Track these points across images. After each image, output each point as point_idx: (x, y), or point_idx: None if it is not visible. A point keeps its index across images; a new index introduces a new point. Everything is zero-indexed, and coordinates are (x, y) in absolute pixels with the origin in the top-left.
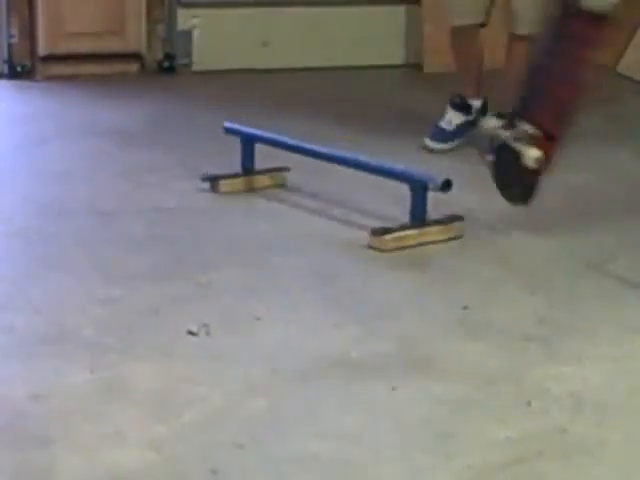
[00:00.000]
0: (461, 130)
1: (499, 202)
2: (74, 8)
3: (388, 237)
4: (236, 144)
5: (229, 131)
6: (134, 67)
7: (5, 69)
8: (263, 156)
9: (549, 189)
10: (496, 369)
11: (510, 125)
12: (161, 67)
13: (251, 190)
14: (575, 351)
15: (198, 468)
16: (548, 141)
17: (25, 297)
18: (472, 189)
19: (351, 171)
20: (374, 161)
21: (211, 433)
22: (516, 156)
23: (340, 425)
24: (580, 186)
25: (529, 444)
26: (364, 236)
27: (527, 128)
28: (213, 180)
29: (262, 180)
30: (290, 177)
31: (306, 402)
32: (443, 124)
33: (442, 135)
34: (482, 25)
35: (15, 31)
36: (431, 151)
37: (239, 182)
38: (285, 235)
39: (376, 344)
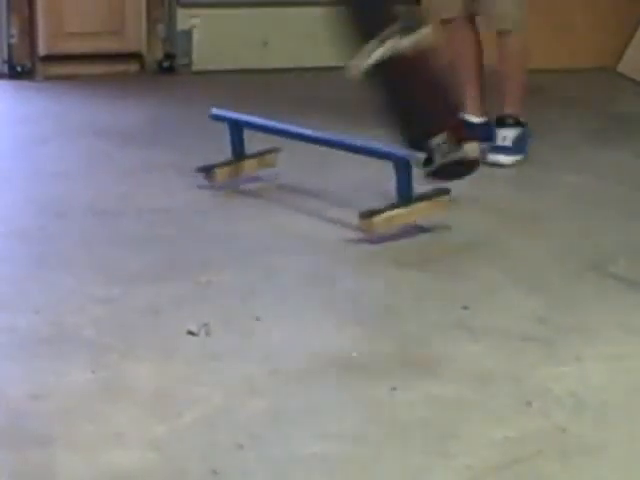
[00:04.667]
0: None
1: (499, 202)
2: (74, 8)
3: (377, 218)
4: None
5: (216, 118)
6: (134, 67)
7: (5, 69)
8: (257, 149)
9: (549, 189)
10: (496, 369)
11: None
12: (161, 67)
13: (243, 174)
14: (575, 351)
15: (198, 468)
16: (456, 124)
17: (25, 297)
18: (472, 189)
19: (351, 171)
20: (359, 141)
21: (211, 433)
22: (460, 162)
23: (340, 425)
24: (580, 186)
25: (529, 444)
26: (363, 236)
27: (440, 139)
28: (208, 170)
29: (252, 164)
30: (289, 177)
31: (306, 402)
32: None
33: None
34: (472, 18)
35: (15, 31)
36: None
37: (232, 168)
38: (285, 235)
39: (376, 344)
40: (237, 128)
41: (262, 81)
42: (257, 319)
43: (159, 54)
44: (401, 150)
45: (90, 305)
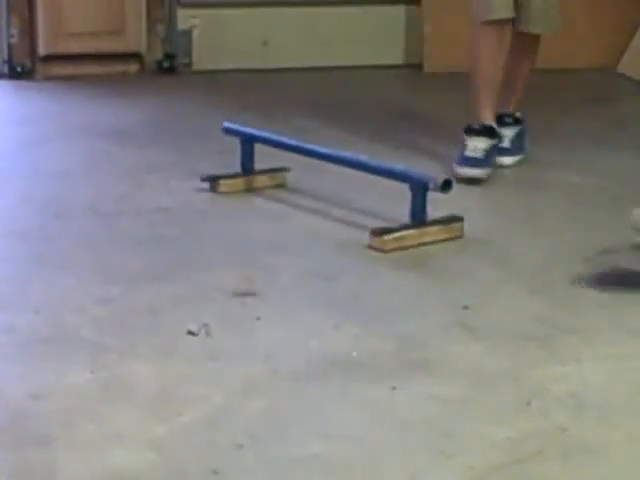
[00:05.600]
0: (491, 154)
1: (499, 202)
2: (74, 8)
3: (388, 237)
4: (236, 144)
5: (228, 131)
6: (134, 67)
7: (5, 69)
8: (263, 155)
9: (549, 189)
10: (496, 369)
11: None
12: (161, 67)
13: (251, 190)
14: (575, 351)
15: (198, 468)
16: None
17: (25, 297)
18: (472, 189)
19: (351, 171)
20: (374, 161)
21: (211, 433)
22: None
23: (340, 425)
24: (580, 186)
25: (529, 444)
26: (364, 236)
27: None
28: (213, 180)
29: (262, 180)
30: (290, 177)
31: (306, 402)
32: (469, 153)
33: (474, 162)
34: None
35: (15, 31)
36: (469, 181)
37: (239, 182)
38: (285, 235)
39: (376, 344)
40: (248, 142)
41: (262, 81)
42: (257, 319)
43: (159, 54)
44: (418, 173)
45: (90, 305)
